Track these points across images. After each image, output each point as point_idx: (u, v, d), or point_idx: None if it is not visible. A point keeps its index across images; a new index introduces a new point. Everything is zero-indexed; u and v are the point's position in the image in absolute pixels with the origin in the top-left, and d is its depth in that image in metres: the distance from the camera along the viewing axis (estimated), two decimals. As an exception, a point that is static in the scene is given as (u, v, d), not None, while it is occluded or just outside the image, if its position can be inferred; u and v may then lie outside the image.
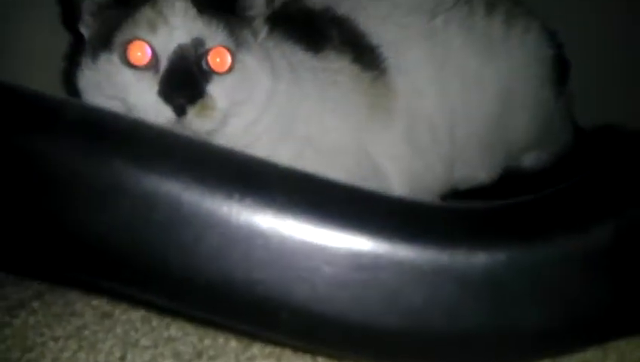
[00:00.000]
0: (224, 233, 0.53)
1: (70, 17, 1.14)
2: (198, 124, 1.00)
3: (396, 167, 1.25)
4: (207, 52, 1.02)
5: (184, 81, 0.99)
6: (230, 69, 1.04)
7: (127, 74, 1.01)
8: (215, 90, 1.02)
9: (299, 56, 1.21)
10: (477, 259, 0.56)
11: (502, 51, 1.34)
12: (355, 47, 1.26)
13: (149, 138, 0.55)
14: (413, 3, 1.33)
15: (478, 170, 1.36)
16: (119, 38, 1.02)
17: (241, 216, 0.53)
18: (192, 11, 1.03)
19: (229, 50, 1.04)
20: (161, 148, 0.53)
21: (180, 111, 0.98)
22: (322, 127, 1.18)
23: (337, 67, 1.23)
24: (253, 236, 0.53)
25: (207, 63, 1.02)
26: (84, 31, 1.10)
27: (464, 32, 1.33)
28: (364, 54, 1.26)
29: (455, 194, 1.35)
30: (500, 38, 1.35)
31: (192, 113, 0.98)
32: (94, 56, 1.04)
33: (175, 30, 1.01)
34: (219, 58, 1.03)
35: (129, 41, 1.01)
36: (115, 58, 1.02)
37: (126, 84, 1.01)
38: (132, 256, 0.53)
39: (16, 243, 0.54)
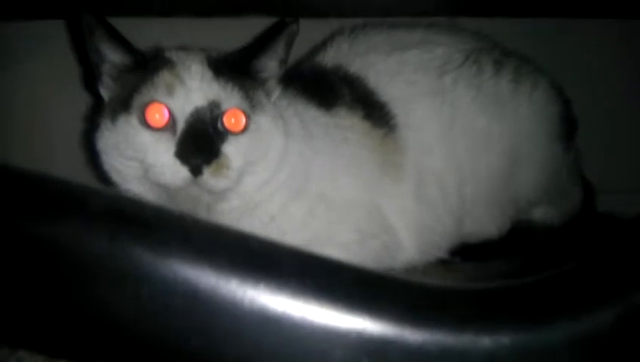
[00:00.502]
0: (238, 318, 0.55)
1: (91, 80, 1.18)
2: (213, 183, 1.03)
3: (406, 222, 1.27)
4: (223, 113, 1.06)
5: (200, 142, 1.03)
6: (245, 129, 1.07)
7: (146, 135, 1.04)
8: (230, 149, 1.05)
9: (311, 113, 1.24)
10: (482, 343, 0.58)
11: (510, 109, 1.36)
12: (366, 104, 1.29)
13: (169, 226, 0.57)
14: (421, 61, 1.36)
15: (487, 225, 1.38)
16: (138, 101, 1.06)
17: (255, 302, 0.55)
18: (209, 75, 1.07)
19: (243, 111, 1.07)
20: (178, 236, 0.56)
21: (197, 172, 1.01)
22: (335, 184, 1.20)
23: (348, 124, 1.26)
24: (265, 321, 0.55)
25: (222, 124, 1.06)
26: (104, 93, 1.14)
27: (472, 90, 1.35)
28: (375, 111, 1.29)
29: (464, 248, 1.36)
30: (507, 95, 1.37)
31: (207, 173, 1.01)
32: (114, 118, 1.08)
33: (192, 93, 1.05)
34: (234, 119, 1.06)
35: (147, 104, 1.05)
36: (133, 120, 1.05)
37: (144, 145, 1.04)
38: (150, 340, 0.55)
39: (32, 324, 0.56)
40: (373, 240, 1.22)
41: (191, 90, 1.05)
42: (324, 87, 1.30)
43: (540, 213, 1.46)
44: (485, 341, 0.58)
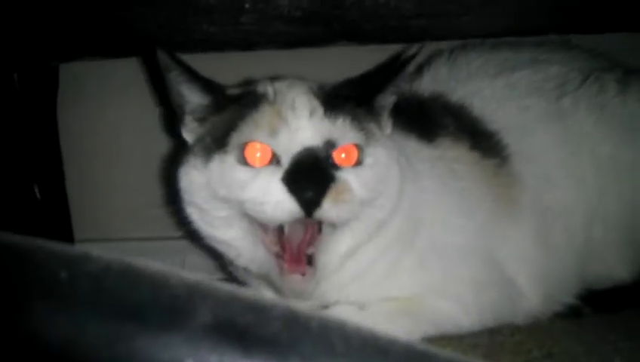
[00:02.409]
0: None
1: (171, 121, 1.09)
2: (333, 213, 0.89)
3: (526, 269, 1.11)
4: (334, 151, 0.94)
5: (313, 170, 0.90)
6: (358, 164, 0.94)
7: (245, 172, 0.92)
8: (347, 176, 0.92)
9: (413, 146, 1.11)
10: None
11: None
12: (473, 134, 1.15)
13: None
14: (533, 82, 1.22)
15: (617, 268, 1.20)
16: (236, 140, 0.94)
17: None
18: (319, 111, 0.95)
19: (357, 146, 0.95)
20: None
21: (313, 205, 0.88)
22: (446, 228, 1.06)
23: (455, 155, 1.12)
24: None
25: (332, 160, 0.93)
26: (187, 135, 1.04)
27: (596, 112, 1.19)
28: (483, 141, 1.14)
29: (592, 295, 1.18)
30: (636, 117, 1.20)
31: (327, 202, 0.88)
32: (206, 157, 0.96)
33: (299, 132, 0.92)
34: (345, 154, 0.94)
35: (247, 143, 0.93)
36: (230, 159, 0.94)
37: (244, 180, 0.92)
38: None
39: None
40: (490, 291, 1.07)
41: (298, 129, 0.93)
42: (423, 119, 1.17)
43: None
44: None
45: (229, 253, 1.01)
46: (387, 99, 1.02)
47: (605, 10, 1.30)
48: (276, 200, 0.89)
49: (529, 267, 1.11)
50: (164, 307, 0.37)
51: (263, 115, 0.94)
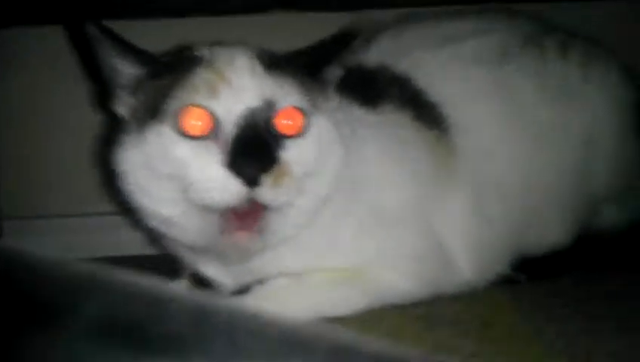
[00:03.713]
0: None
1: (103, 96, 1.02)
2: (272, 195, 0.85)
3: (462, 241, 1.10)
4: (276, 114, 0.89)
5: (255, 148, 0.85)
6: (301, 132, 0.91)
7: (184, 146, 0.87)
8: (290, 155, 0.88)
9: (356, 113, 1.08)
10: None
11: (580, 97, 1.20)
12: (416, 105, 1.13)
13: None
14: (476, 52, 1.20)
15: (553, 232, 1.20)
16: (170, 106, 0.89)
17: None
18: (259, 69, 0.90)
19: (301, 111, 0.91)
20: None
21: (253, 183, 0.84)
22: (385, 194, 1.05)
23: (397, 120, 1.11)
24: None
25: (274, 127, 0.89)
26: (122, 110, 0.97)
27: (536, 78, 1.19)
28: (426, 112, 1.13)
29: (527, 262, 1.18)
30: (576, 82, 1.20)
31: (266, 183, 0.84)
32: (141, 129, 0.91)
33: (242, 92, 0.88)
34: (289, 120, 0.90)
35: (183, 109, 0.88)
36: (166, 129, 0.88)
37: (183, 158, 0.87)
38: None
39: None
40: (429, 260, 1.06)
41: (240, 88, 0.88)
42: (368, 88, 1.13)
43: (609, 214, 1.27)
44: None
45: (173, 233, 0.95)
46: (334, 73, 0.99)
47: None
48: (220, 185, 0.85)
49: (464, 237, 1.11)
50: (42, 301, 0.33)
51: (201, 77, 0.89)
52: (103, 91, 1.02)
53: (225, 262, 0.98)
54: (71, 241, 1.44)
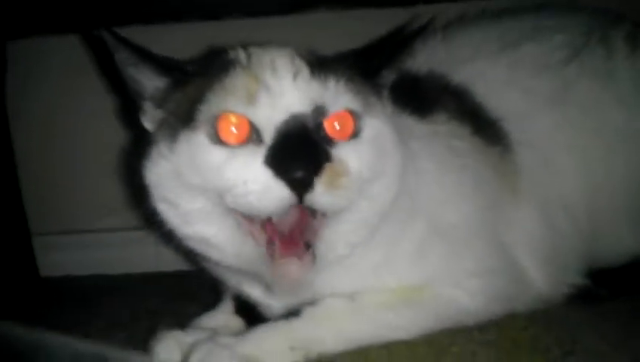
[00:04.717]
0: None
1: (129, 112, 0.95)
2: (328, 199, 0.76)
3: (531, 254, 1.03)
4: (325, 119, 0.81)
5: (304, 147, 0.77)
6: (354, 135, 0.82)
7: (219, 153, 0.79)
8: (344, 153, 0.80)
9: (407, 123, 1.00)
10: None
11: None
12: (475, 119, 1.06)
13: None
14: (538, 57, 1.12)
15: (629, 241, 1.12)
16: (204, 113, 0.81)
17: None
18: (305, 72, 0.82)
19: (352, 114, 0.82)
20: None
21: (304, 185, 0.74)
22: (445, 208, 0.97)
23: (451, 131, 1.03)
24: None
25: (324, 131, 0.81)
26: (149, 124, 0.90)
27: (603, 78, 1.10)
28: (485, 128, 1.06)
29: (605, 274, 1.09)
30: None
31: (320, 185, 0.75)
32: (170, 140, 0.83)
33: (283, 98, 0.79)
34: (339, 124, 0.81)
35: (219, 116, 0.80)
36: (200, 137, 0.80)
37: (219, 164, 0.79)
38: None
39: None
40: (495, 275, 0.98)
41: (281, 93, 0.79)
42: (420, 97, 1.06)
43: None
44: None
45: (211, 253, 0.87)
46: (388, 76, 0.90)
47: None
48: (261, 187, 0.76)
49: (534, 250, 1.03)
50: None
51: (237, 80, 0.81)
52: (128, 103, 0.94)
53: (272, 289, 0.89)
54: (103, 256, 1.40)
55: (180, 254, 1.16)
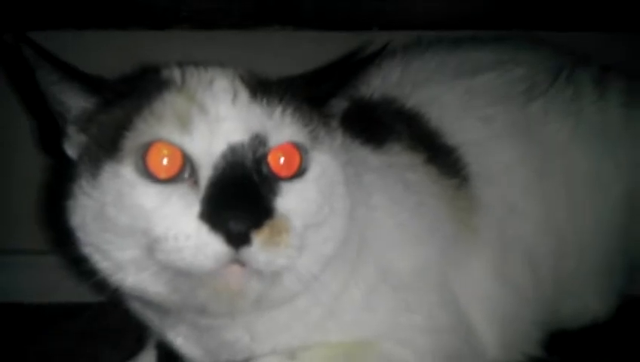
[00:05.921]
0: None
1: (50, 137, 0.84)
2: (266, 258, 0.67)
3: (485, 311, 0.96)
4: (268, 151, 0.72)
5: (243, 194, 0.67)
6: (300, 172, 0.73)
7: (148, 190, 0.69)
8: (287, 203, 0.71)
9: (359, 153, 0.93)
10: None
11: (623, 142, 1.08)
12: (429, 146, 0.99)
13: None
14: (497, 87, 1.07)
15: (592, 303, 1.09)
16: (130, 142, 0.71)
17: None
18: (244, 95, 0.73)
19: (298, 148, 0.73)
20: None
21: (240, 241, 0.65)
22: (396, 253, 0.89)
23: (406, 162, 0.96)
24: None
25: (267, 165, 0.71)
26: (71, 150, 0.79)
27: (571, 120, 1.06)
28: (441, 156, 0.99)
29: (561, 339, 1.04)
30: (618, 124, 1.08)
31: (258, 242, 0.66)
32: (92, 173, 0.72)
33: (222, 124, 0.70)
34: (283, 157, 0.72)
35: (148, 145, 0.70)
36: (126, 170, 0.70)
37: (147, 206, 0.68)
38: None
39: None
40: (447, 335, 0.90)
41: (219, 119, 0.70)
42: (372, 124, 0.98)
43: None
44: None
45: (149, 298, 0.75)
46: (339, 104, 0.82)
47: (574, 5, 1.21)
48: (198, 242, 0.66)
49: (486, 307, 0.96)
50: None
51: (170, 105, 0.71)
52: (47, 127, 0.84)
53: (206, 316, 0.77)
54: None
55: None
